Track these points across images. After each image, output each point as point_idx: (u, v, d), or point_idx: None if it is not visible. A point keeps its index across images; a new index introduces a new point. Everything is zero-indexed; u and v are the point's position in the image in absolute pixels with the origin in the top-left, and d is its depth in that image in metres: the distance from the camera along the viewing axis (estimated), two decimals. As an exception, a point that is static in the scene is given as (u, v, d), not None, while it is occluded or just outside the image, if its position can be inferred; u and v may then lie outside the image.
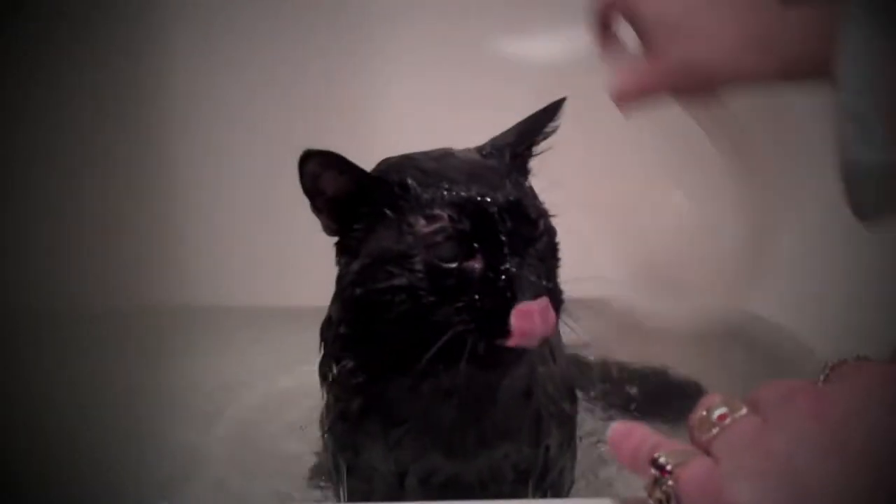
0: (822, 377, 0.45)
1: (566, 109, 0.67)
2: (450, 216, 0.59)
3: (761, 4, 0.62)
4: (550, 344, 0.77)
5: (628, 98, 0.68)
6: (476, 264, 0.59)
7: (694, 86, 0.66)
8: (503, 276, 0.58)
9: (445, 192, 0.60)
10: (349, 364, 0.66)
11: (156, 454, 0.95)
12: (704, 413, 0.44)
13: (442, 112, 1.03)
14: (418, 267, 0.59)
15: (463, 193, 0.60)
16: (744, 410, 0.43)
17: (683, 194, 1.03)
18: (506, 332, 0.58)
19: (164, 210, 1.15)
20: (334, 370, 0.68)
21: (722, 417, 0.43)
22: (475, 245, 0.59)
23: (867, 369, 0.44)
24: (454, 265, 0.59)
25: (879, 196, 0.59)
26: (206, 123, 1.13)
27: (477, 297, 0.58)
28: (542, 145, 0.68)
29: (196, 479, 0.92)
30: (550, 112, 0.66)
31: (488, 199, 0.60)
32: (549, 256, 0.63)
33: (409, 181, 0.61)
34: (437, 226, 0.59)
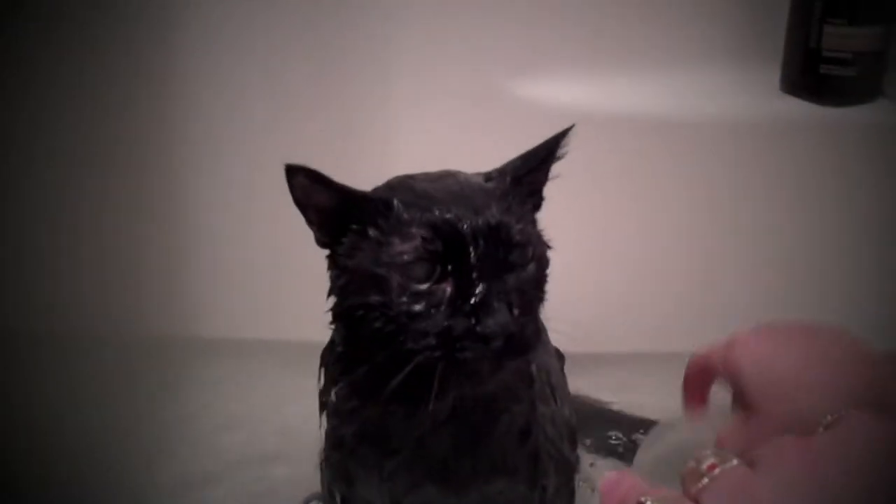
0: (821, 430, 0.45)
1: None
2: (423, 237, 0.59)
3: (870, 359, 0.57)
4: (552, 384, 0.76)
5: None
6: (448, 287, 0.59)
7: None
8: (470, 301, 0.58)
9: (425, 213, 0.59)
10: (344, 389, 0.66)
11: (159, 483, 0.96)
12: (694, 464, 0.44)
13: (451, 144, 1.03)
14: (392, 286, 0.59)
15: (440, 214, 0.59)
16: (734, 461, 0.44)
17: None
18: (467, 359, 0.57)
19: (177, 240, 1.16)
20: (332, 396, 0.68)
21: (711, 468, 0.44)
22: (448, 267, 0.59)
23: (861, 422, 0.44)
24: (425, 287, 0.59)
25: None
26: (223, 157, 1.14)
27: (444, 320, 0.58)
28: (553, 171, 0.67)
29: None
30: (556, 139, 0.65)
31: (464, 222, 0.59)
32: (532, 287, 0.62)
33: (395, 201, 0.60)
34: (409, 245, 0.59)
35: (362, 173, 0.64)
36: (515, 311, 0.58)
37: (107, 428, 1.01)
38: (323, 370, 0.70)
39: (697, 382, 0.63)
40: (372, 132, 1.13)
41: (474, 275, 0.58)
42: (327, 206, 0.62)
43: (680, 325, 1.01)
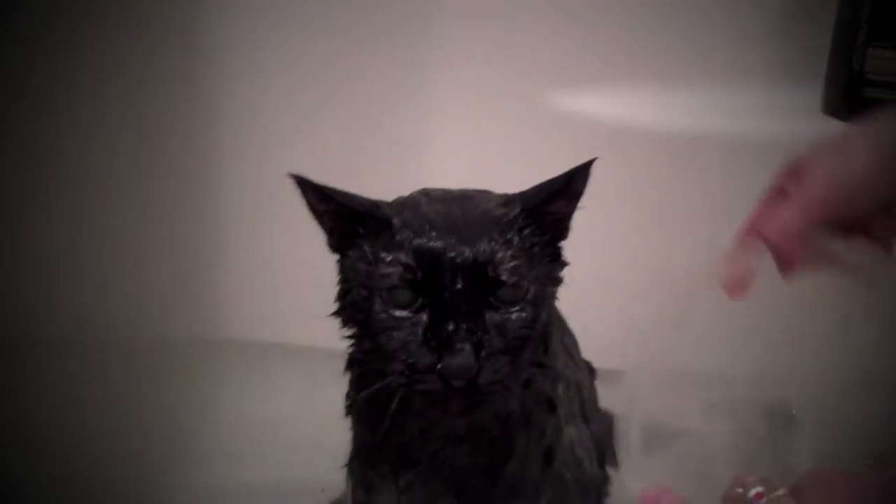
0: (866, 464, 0.45)
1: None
2: (405, 264, 0.58)
3: None
4: (582, 400, 0.75)
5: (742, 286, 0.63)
6: (424, 317, 0.58)
7: (839, 213, 0.61)
8: (438, 335, 0.56)
9: (414, 239, 0.58)
10: (361, 395, 0.65)
11: (185, 485, 0.97)
12: (740, 490, 0.44)
13: (489, 158, 1.03)
14: (375, 307, 0.59)
15: (426, 242, 0.58)
16: (781, 491, 0.43)
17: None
18: (426, 391, 0.57)
19: (209, 242, 1.17)
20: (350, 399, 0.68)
21: (758, 496, 0.43)
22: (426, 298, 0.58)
23: None
24: (404, 313, 0.58)
25: None
26: (255, 157, 1.14)
27: (415, 351, 0.57)
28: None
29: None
30: (574, 171, 0.62)
31: (449, 253, 0.57)
32: (520, 328, 0.59)
33: (394, 220, 0.60)
34: (392, 269, 0.58)
35: (401, 185, 0.65)
36: (484, 353, 0.56)
37: (135, 430, 1.02)
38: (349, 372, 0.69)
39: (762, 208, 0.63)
40: (411, 145, 1.13)
41: (447, 310, 0.57)
42: (333, 215, 0.62)
43: (709, 343, 1.01)
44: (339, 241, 0.63)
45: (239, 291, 1.18)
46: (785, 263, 0.60)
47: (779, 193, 0.62)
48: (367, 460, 0.68)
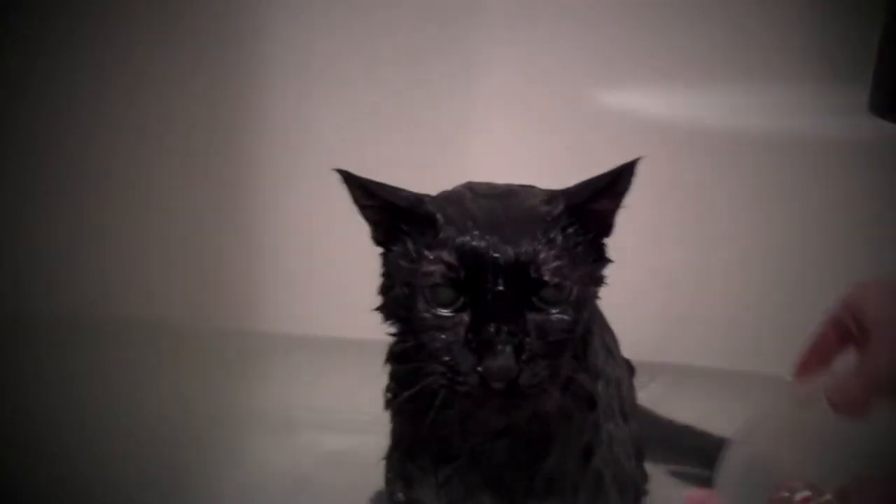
0: None
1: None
2: (448, 263, 0.58)
3: None
4: (622, 397, 0.75)
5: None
6: (466, 317, 0.58)
7: None
8: (480, 337, 0.56)
9: (458, 237, 0.58)
10: (401, 388, 0.65)
11: (230, 476, 0.97)
12: (787, 494, 0.45)
13: (528, 152, 1.03)
14: (419, 306, 0.59)
15: (470, 241, 0.58)
16: (828, 496, 0.44)
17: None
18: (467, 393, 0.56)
19: (257, 238, 1.19)
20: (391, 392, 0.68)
21: (805, 500, 0.42)
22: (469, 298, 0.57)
23: None
24: (447, 312, 0.58)
25: None
26: (297, 149, 1.15)
27: (457, 351, 0.57)
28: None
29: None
30: (618, 170, 0.62)
31: (491, 253, 0.57)
32: (561, 330, 0.59)
33: (438, 216, 0.60)
34: (435, 268, 0.58)
35: (444, 180, 0.65)
36: (524, 356, 0.56)
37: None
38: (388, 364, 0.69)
39: (820, 345, 0.60)
40: (454, 140, 1.14)
41: (489, 310, 0.57)
42: (377, 210, 0.63)
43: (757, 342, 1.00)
44: (384, 235, 0.64)
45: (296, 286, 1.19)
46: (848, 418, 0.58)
47: (838, 331, 0.59)
48: (406, 453, 0.69)
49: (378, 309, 0.64)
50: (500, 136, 1.13)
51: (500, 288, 0.57)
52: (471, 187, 0.64)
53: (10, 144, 1.16)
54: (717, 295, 1.11)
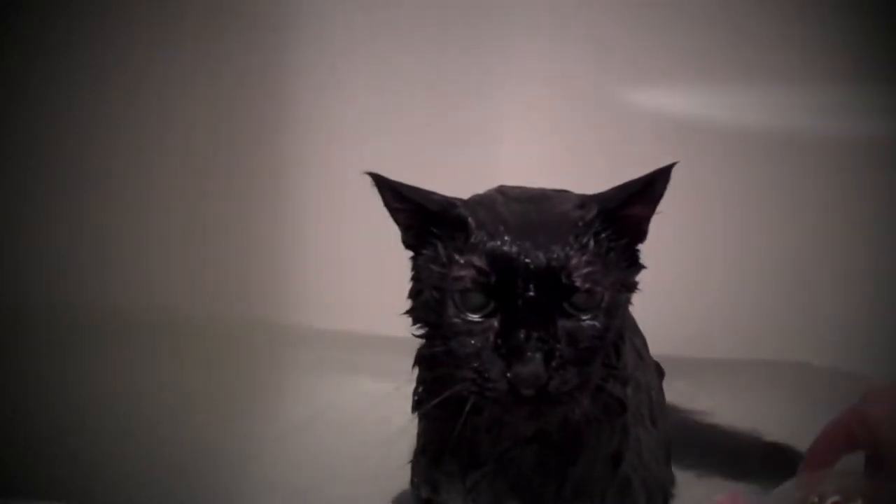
0: None
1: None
2: (479, 268, 0.57)
3: None
4: (652, 402, 0.74)
5: None
6: (496, 323, 0.57)
7: None
8: (510, 344, 0.55)
9: (489, 241, 0.57)
10: (429, 393, 0.65)
11: (251, 473, 0.97)
12: (816, 500, 0.44)
13: (565, 156, 1.03)
14: (449, 311, 0.58)
15: (501, 246, 0.57)
16: (859, 502, 0.43)
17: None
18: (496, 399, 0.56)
19: (285, 232, 1.19)
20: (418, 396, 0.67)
21: None
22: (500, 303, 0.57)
23: None
24: (477, 317, 0.57)
25: None
26: (322, 143, 1.15)
27: (487, 357, 0.56)
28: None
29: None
30: (653, 175, 0.60)
31: (523, 258, 0.56)
32: (592, 337, 0.58)
33: (469, 220, 0.59)
34: (466, 272, 0.57)
35: (475, 183, 0.65)
36: (554, 363, 0.55)
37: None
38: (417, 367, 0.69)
39: (827, 445, 0.60)
40: (484, 142, 1.13)
41: (519, 316, 0.56)
42: (408, 213, 0.62)
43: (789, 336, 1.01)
44: (415, 238, 0.62)
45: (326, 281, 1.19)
46: None
47: (848, 434, 0.59)
48: (434, 458, 0.68)
49: (407, 313, 0.63)
50: (529, 136, 1.12)
51: (531, 293, 0.56)
52: (503, 191, 0.63)
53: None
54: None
